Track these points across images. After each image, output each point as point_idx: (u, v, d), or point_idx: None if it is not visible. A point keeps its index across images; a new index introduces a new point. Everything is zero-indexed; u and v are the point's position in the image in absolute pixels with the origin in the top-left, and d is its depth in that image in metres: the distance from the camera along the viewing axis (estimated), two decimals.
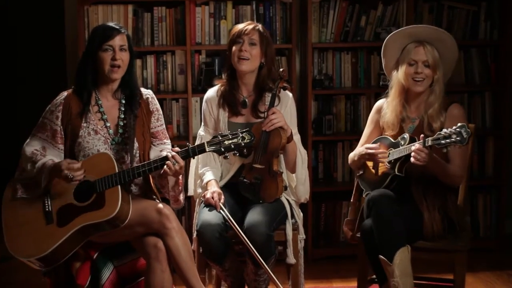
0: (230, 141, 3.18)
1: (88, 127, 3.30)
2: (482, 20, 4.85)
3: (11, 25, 6.74)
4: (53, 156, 3.26)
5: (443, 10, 4.83)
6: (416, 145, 3.33)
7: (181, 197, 3.40)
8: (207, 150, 3.19)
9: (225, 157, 3.22)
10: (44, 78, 6.41)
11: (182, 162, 3.20)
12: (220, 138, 3.20)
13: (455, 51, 3.61)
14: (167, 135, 3.48)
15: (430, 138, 3.30)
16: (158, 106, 3.46)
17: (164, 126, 3.47)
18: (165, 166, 3.18)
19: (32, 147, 3.27)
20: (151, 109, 3.42)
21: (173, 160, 3.18)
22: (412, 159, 3.33)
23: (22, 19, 6.75)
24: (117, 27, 3.31)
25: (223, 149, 3.18)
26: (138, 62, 4.69)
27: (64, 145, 3.30)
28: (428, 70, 3.53)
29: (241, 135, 3.19)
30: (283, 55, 4.79)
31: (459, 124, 3.23)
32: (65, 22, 4.86)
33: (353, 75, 4.85)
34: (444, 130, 3.27)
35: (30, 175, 3.21)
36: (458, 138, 3.21)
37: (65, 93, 3.36)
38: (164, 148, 3.39)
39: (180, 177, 3.32)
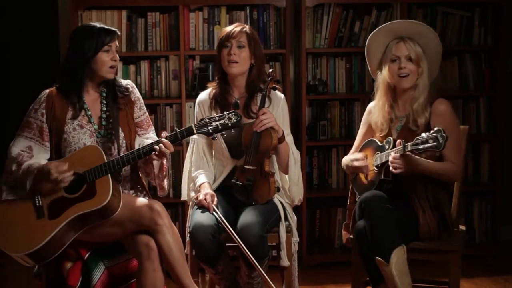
0: (217, 122, 3.21)
1: (73, 122, 3.29)
2: (476, 26, 4.86)
3: (4, 29, 6.74)
4: (41, 155, 3.24)
5: (437, 15, 4.83)
6: (392, 154, 3.32)
7: (165, 183, 3.38)
8: (195, 132, 3.21)
9: (213, 138, 3.24)
10: (37, 83, 6.39)
11: (171, 148, 3.20)
12: (207, 120, 3.22)
13: (438, 44, 3.56)
14: (151, 123, 3.48)
15: (409, 144, 3.28)
16: (139, 95, 3.46)
17: (147, 114, 3.47)
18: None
19: (17, 148, 3.24)
20: (132, 99, 3.42)
21: (163, 147, 3.18)
22: (391, 169, 3.34)
23: (15, 24, 6.75)
24: (114, 29, 3.32)
25: (210, 131, 3.21)
26: (132, 68, 4.70)
27: (50, 142, 3.28)
28: (411, 64, 3.50)
29: (227, 116, 3.22)
30: (277, 60, 4.79)
31: (435, 129, 3.21)
32: (59, 27, 4.86)
33: (347, 81, 4.85)
34: (423, 134, 3.24)
35: (16, 177, 3.19)
36: (434, 144, 3.19)
37: (47, 91, 3.35)
38: (149, 137, 3.40)
39: (165, 161, 3.30)
